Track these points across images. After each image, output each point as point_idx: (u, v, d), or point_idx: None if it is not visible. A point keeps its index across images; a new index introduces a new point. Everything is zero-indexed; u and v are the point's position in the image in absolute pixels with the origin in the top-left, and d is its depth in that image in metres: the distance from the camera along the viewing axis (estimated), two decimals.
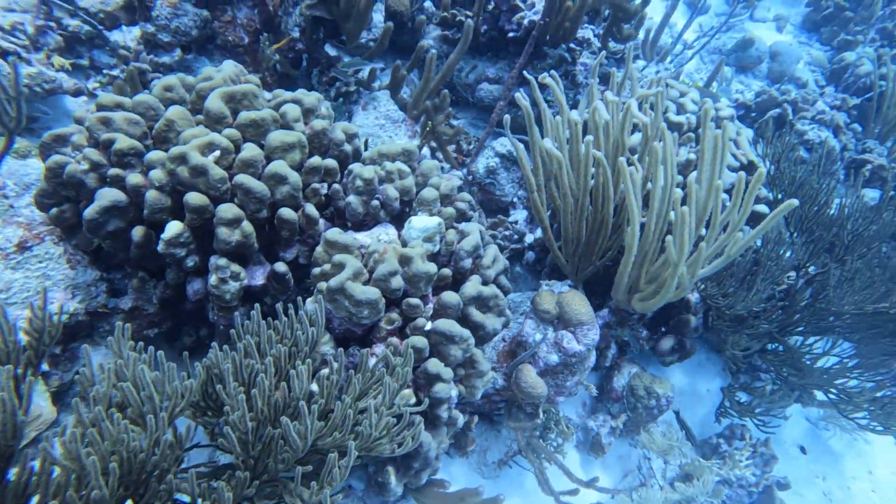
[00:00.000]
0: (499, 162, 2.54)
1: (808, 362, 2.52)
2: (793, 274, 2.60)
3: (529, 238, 2.51)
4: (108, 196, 1.51)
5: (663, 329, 2.43)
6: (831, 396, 2.53)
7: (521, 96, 1.96)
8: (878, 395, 2.46)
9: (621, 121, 1.86)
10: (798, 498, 2.92)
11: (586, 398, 2.58)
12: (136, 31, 2.34)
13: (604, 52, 2.38)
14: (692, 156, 2.46)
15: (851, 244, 2.36)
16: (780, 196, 2.66)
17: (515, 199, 2.61)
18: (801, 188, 2.51)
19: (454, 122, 2.86)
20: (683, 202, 2.13)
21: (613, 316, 2.25)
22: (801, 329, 2.57)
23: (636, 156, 2.31)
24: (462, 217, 1.83)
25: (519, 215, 2.59)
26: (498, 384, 1.99)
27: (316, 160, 1.64)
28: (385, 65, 2.83)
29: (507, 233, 2.52)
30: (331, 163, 1.70)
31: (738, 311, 2.19)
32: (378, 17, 2.80)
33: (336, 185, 1.69)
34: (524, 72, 2.48)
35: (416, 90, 2.43)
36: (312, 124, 1.71)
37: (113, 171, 1.54)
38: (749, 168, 2.67)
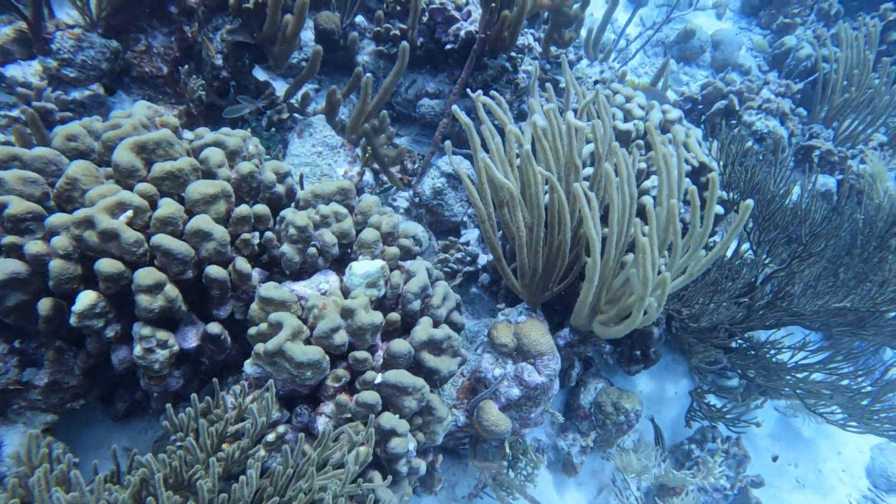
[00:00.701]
0: (445, 182, 2.47)
1: (774, 360, 2.55)
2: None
3: (483, 259, 2.45)
4: (4, 269, 1.37)
5: (627, 342, 2.41)
6: (799, 392, 2.56)
7: (458, 111, 1.87)
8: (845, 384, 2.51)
9: (568, 144, 1.80)
10: (773, 491, 2.97)
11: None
12: (36, 65, 2.17)
13: (537, 65, 2.32)
14: (643, 164, 2.44)
15: (810, 241, 2.38)
16: (734, 196, 2.67)
17: (466, 219, 2.55)
18: (758, 189, 2.52)
19: (397, 142, 2.77)
20: (640, 213, 2.11)
21: (575, 335, 2.21)
22: (764, 325, 2.59)
23: (590, 168, 2.28)
24: (407, 255, 1.75)
25: (471, 235, 2.52)
26: (460, 421, 1.92)
27: (244, 209, 1.53)
28: (320, 85, 2.72)
29: (459, 255, 2.45)
30: (261, 209, 1.59)
31: (702, 324, 2.19)
32: (308, 34, 2.69)
33: (269, 233, 1.59)
34: (468, 89, 2.42)
35: (353, 114, 2.33)
36: (238, 168, 1.60)
37: (7, 239, 1.40)
38: (701, 170, 2.67)
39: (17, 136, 1.91)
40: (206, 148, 1.56)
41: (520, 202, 1.76)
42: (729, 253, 2.67)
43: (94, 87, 2.13)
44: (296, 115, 2.35)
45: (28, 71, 2.17)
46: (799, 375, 2.42)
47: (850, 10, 5.07)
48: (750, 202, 1.54)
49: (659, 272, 1.54)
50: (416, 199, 2.52)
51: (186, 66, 2.11)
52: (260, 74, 2.48)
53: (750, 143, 3.43)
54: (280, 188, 1.69)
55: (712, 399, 2.77)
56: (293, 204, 1.73)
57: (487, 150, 1.94)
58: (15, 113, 2.11)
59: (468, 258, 2.46)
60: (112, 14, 2.05)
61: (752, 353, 2.48)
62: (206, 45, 2.13)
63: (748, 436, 2.90)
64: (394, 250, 1.67)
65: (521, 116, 2.88)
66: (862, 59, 3.81)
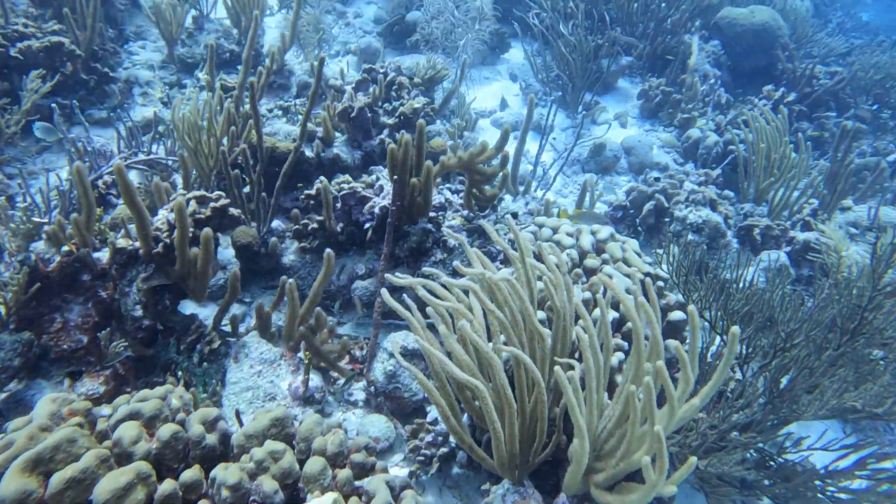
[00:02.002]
0: (395, 364, 2.41)
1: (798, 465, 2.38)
2: (737, 373, 2.55)
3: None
4: None
5: None
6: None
7: (390, 300, 1.86)
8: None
9: (520, 300, 1.79)
10: None
11: None
12: None
13: (461, 238, 2.39)
14: (587, 294, 2.45)
15: (789, 334, 2.35)
16: (690, 296, 2.68)
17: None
18: (719, 288, 2.54)
19: (341, 332, 2.74)
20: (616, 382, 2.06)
21: (573, 499, 2.05)
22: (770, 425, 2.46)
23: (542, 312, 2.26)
24: (363, 471, 1.62)
25: (437, 411, 2.41)
26: None
27: (167, 486, 1.41)
28: (253, 298, 2.72)
29: (429, 438, 2.32)
30: (190, 476, 1.47)
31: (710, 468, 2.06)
32: (229, 252, 2.74)
33: (203, 502, 1.46)
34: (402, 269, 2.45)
35: (286, 323, 2.31)
36: (159, 435, 1.50)
37: None
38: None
39: None
40: (119, 426, 1.48)
41: (488, 396, 1.70)
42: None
43: (11, 386, 2.06)
44: (229, 339, 2.31)
45: None
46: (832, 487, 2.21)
47: (736, 96, 5.61)
48: (736, 330, 1.52)
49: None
50: (372, 389, 2.44)
51: (106, 331, 2.09)
52: (189, 307, 2.47)
53: (689, 237, 3.54)
54: (211, 438, 1.59)
55: None
56: (228, 451, 1.62)
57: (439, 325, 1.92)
58: None
59: (440, 439, 2.33)
60: (21, 308, 2.05)
61: (772, 464, 2.33)
62: (123, 300, 2.13)
63: None
64: (346, 473, 1.55)
65: (454, 274, 2.91)
66: (773, 134, 4.08)
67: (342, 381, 2.49)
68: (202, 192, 2.25)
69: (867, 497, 2.10)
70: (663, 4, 6.08)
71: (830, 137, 4.83)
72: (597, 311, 2.45)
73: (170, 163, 3.12)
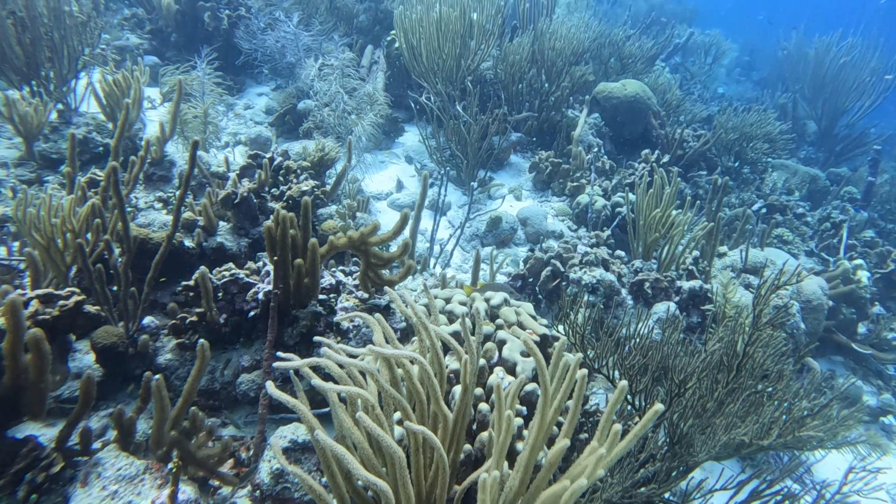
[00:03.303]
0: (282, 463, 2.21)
1: None
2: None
3: None
4: None
5: None
6: None
7: (276, 392, 1.71)
8: None
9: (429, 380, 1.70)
10: None
11: None
12: None
13: (360, 314, 2.32)
14: (482, 361, 2.41)
15: (682, 381, 2.39)
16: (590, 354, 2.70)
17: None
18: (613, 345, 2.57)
19: (222, 434, 2.52)
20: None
21: None
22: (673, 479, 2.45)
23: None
24: None
25: None
26: None
27: None
28: (111, 405, 2.46)
29: None
30: None
31: None
32: (90, 357, 2.50)
33: None
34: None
35: (154, 427, 2.08)
36: None
37: None
38: (544, 343, 2.70)
39: None
40: None
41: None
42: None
43: None
44: (79, 459, 2.04)
45: None
46: None
47: (619, 162, 6.04)
48: (659, 407, 1.50)
49: None
50: (257, 494, 2.21)
51: None
52: (30, 427, 2.19)
53: (586, 297, 3.63)
54: None
55: None
56: None
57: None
58: None
59: None
60: None
61: None
62: None
63: None
64: None
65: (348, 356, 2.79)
66: (654, 194, 4.36)
67: (225, 490, 2.26)
68: (47, 290, 2.05)
69: None
70: (546, 84, 6.58)
71: (704, 194, 5.25)
72: (493, 378, 2.40)
73: (14, 264, 2.87)
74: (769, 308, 3.78)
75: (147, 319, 2.68)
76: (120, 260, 2.47)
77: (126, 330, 2.55)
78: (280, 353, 1.80)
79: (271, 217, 3.51)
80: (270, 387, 1.77)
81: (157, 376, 2.05)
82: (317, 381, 1.72)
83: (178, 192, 3.82)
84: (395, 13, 6.02)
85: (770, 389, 2.65)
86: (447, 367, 2.41)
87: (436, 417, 1.80)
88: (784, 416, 2.31)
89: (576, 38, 6.49)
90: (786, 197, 6.31)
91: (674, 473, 2.30)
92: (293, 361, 1.78)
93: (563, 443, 1.49)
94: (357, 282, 3.19)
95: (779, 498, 2.17)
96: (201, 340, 2.04)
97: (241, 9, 6.81)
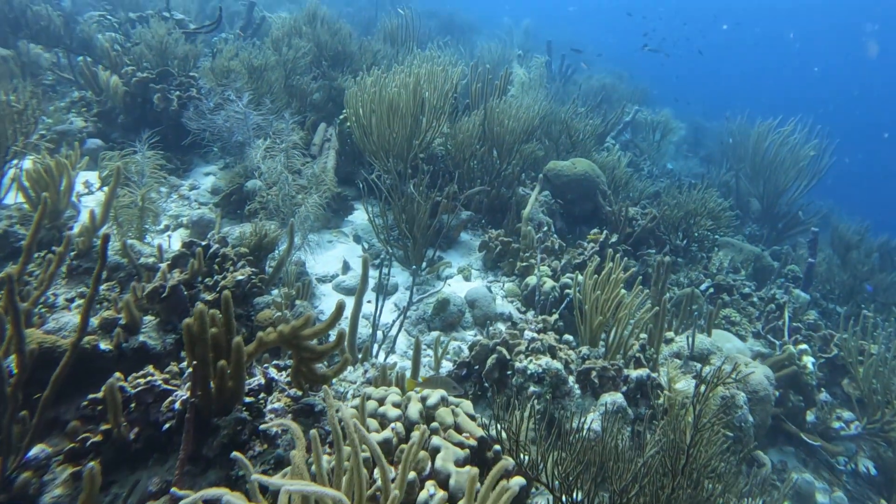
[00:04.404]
0: None
1: None
2: None
3: None
4: None
5: None
6: None
7: None
8: None
9: None
10: None
11: None
12: None
13: (288, 423, 2.19)
14: (412, 474, 2.29)
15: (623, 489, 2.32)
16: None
17: None
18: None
19: None
20: None
21: None
22: None
23: None
24: None
25: None
26: None
27: None
28: None
29: None
30: None
31: None
32: None
33: None
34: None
35: None
36: None
37: None
38: (481, 447, 2.61)
39: None
40: None
41: None
42: None
43: None
44: None
45: None
46: None
47: (570, 241, 6.14)
48: None
49: None
50: None
51: None
52: None
53: (531, 389, 3.56)
54: None
55: None
56: None
57: None
58: None
59: None
60: None
61: None
62: None
63: None
64: None
65: (279, 465, 2.63)
66: (603, 278, 4.39)
67: None
68: None
69: None
70: (497, 161, 6.73)
71: (653, 272, 5.32)
72: (423, 495, 2.28)
73: None
74: (716, 398, 3.77)
75: (36, 449, 2.44)
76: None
77: (3, 467, 2.30)
78: (176, 492, 1.66)
79: (192, 313, 3.38)
80: None
81: None
82: None
83: (105, 287, 3.68)
84: (347, 93, 6.13)
85: (720, 488, 2.59)
86: (375, 481, 2.29)
87: None
88: None
89: (525, 116, 6.70)
90: (732, 276, 6.47)
91: None
92: (189, 498, 1.65)
93: None
94: (289, 381, 3.06)
95: None
96: (90, 465, 1.87)
97: (193, 90, 6.86)
